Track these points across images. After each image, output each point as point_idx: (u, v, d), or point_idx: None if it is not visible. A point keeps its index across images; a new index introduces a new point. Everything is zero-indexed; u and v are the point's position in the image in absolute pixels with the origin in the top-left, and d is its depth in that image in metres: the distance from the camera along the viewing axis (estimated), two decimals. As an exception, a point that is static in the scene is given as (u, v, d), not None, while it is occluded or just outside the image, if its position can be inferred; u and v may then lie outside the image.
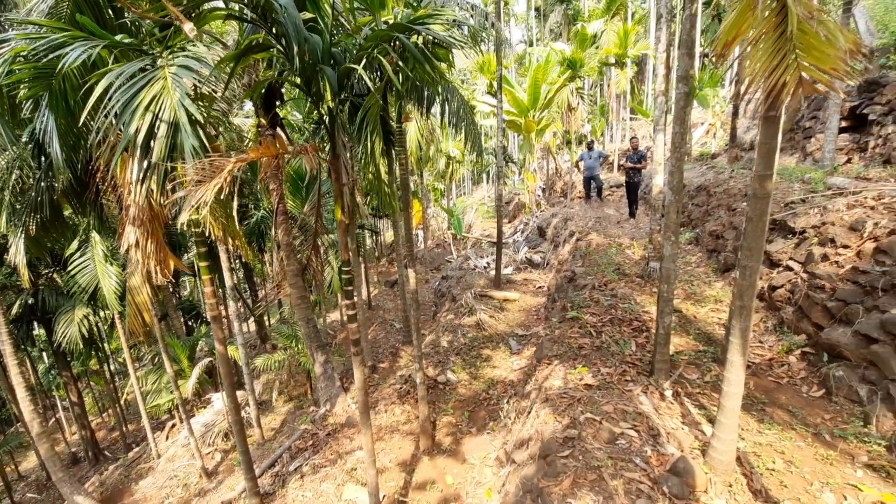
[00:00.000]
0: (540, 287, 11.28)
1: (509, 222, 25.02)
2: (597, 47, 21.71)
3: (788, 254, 5.20)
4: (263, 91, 8.49)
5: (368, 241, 32.76)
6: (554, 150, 25.39)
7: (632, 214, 12.06)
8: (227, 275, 9.78)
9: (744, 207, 7.16)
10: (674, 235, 3.68)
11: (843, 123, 9.26)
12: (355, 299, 8.19)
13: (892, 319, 3.48)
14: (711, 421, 3.33)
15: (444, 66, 11.18)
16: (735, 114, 11.86)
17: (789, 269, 5.05)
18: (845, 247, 4.41)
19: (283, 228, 9.35)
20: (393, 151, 10.73)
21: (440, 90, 10.48)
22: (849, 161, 9.36)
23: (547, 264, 12.55)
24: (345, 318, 18.70)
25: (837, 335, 3.94)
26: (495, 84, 19.72)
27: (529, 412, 4.32)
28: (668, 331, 3.82)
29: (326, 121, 5.00)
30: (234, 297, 10.06)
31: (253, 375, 11.93)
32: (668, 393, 3.66)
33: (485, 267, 14.16)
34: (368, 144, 4.77)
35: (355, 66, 3.70)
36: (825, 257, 4.57)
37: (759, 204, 2.86)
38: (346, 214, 9.58)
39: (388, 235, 32.52)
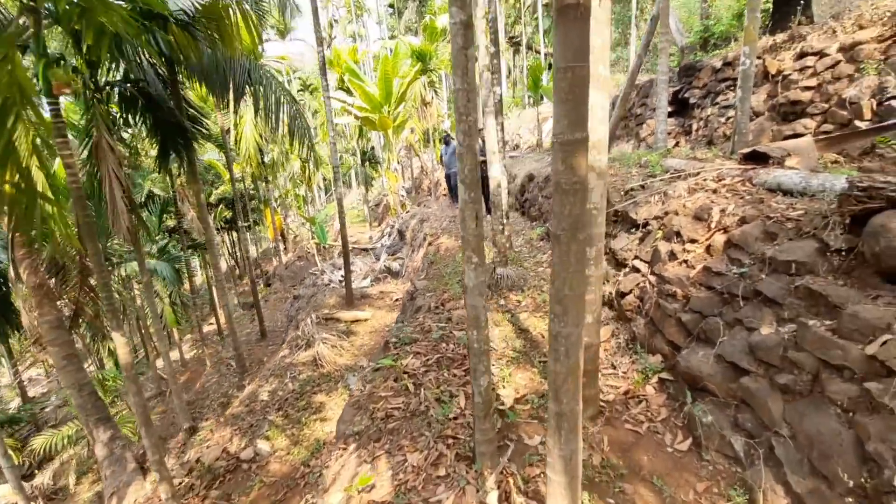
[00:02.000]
0: (397, 300, 9.85)
1: (378, 225, 23.44)
2: (447, 41, 21.00)
3: (633, 251, 4.33)
4: None
5: (226, 259, 28.78)
6: (417, 148, 24.36)
7: (488, 210, 11.21)
8: None
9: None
10: (476, 255, 2.36)
11: (669, 108, 9.23)
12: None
13: (764, 343, 2.54)
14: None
15: (250, 44, 9.04)
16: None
17: (636, 270, 4.16)
18: (693, 241, 3.55)
19: (29, 264, 6.65)
20: (190, 156, 8.44)
21: (251, 77, 8.46)
22: (676, 144, 9.36)
23: (406, 271, 11.20)
24: (187, 356, 15.50)
25: (698, 361, 2.98)
26: (346, 79, 17.94)
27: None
28: (487, 398, 2.51)
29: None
30: None
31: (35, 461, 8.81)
32: (493, 497, 2.35)
33: (340, 281, 12.36)
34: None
35: None
36: (672, 255, 3.69)
37: (570, 202, 1.60)
38: (123, 235, 7.05)
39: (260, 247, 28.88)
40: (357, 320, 8.93)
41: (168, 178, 12.52)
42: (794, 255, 2.65)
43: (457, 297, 5.58)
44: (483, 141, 10.52)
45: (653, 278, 3.82)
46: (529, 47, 34.66)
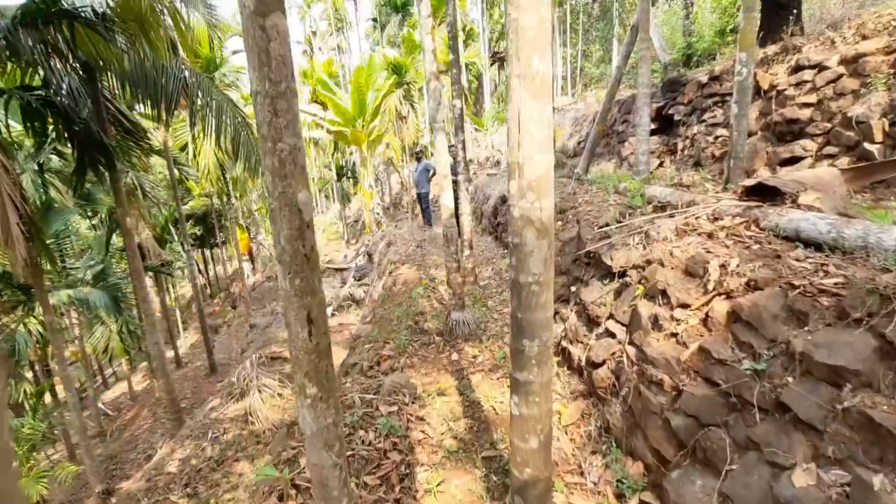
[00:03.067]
0: (354, 336, 8.82)
1: (356, 243, 22.41)
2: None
3: (608, 307, 3.39)
4: None
5: (197, 278, 27.47)
6: (397, 163, 23.49)
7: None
8: None
9: (556, 227, 5.51)
10: (314, 385, 1.37)
11: (653, 125, 8.44)
12: None
13: (800, 502, 1.59)
14: None
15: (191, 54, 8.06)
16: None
17: (611, 334, 3.21)
18: (684, 306, 2.62)
19: None
20: (114, 175, 7.38)
21: (187, 86, 7.49)
22: (661, 165, 8.54)
23: (370, 298, 10.17)
24: (139, 387, 14.19)
25: (695, 497, 2.02)
26: (319, 90, 17.02)
27: None
28: None
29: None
30: None
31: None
32: None
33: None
34: None
35: None
36: (657, 323, 2.75)
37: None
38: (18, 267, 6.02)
39: (230, 266, 27.59)
40: (307, 360, 7.87)
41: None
42: (839, 358, 1.72)
43: (398, 353, 4.57)
44: (454, 159, 9.66)
45: (632, 350, 2.87)
46: (513, 63, 34.17)
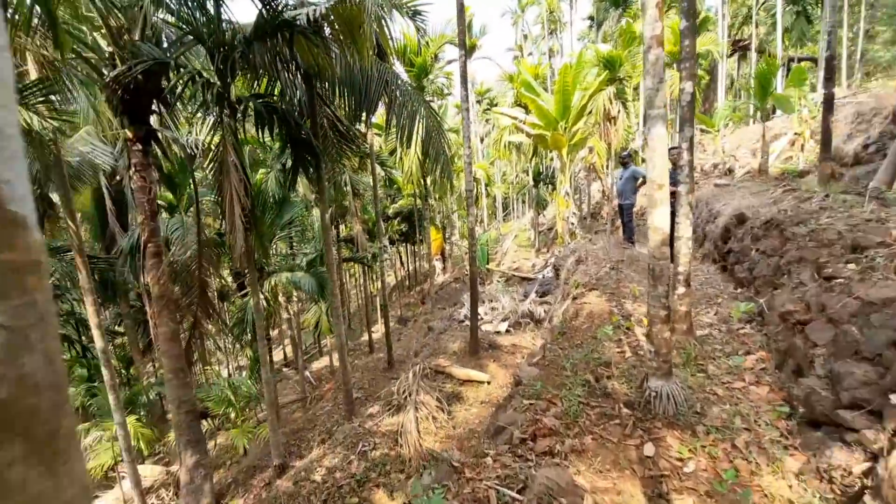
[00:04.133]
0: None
1: (547, 252, 21.26)
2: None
3: None
4: (125, 91, 6.07)
5: (395, 271, 30.27)
6: (600, 170, 21.40)
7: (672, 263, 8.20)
8: (96, 333, 7.36)
9: (848, 271, 3.40)
10: None
11: None
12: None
13: None
14: None
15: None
16: (829, 109, 7.61)
17: None
18: None
19: (154, 275, 6.77)
20: (318, 174, 7.91)
21: (387, 89, 7.59)
22: None
23: (550, 321, 8.95)
24: (336, 363, 15.98)
25: None
26: (522, 91, 16.43)
27: None
28: None
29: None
30: (107, 362, 7.55)
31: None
32: None
33: (479, 318, 10.74)
34: None
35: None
36: None
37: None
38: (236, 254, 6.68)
39: (428, 262, 29.75)
40: (471, 381, 7.16)
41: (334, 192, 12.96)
42: None
43: (565, 425, 3.32)
44: (674, 165, 7.72)
45: None
46: (761, 51, 28.08)
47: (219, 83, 6.42)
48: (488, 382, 7.14)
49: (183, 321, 7.17)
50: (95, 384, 9.88)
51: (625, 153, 10.71)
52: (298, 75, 7.11)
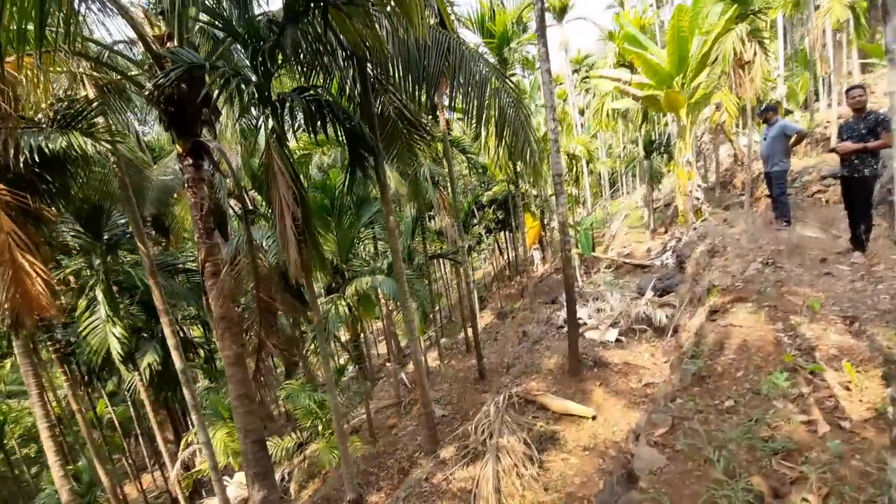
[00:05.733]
0: (648, 385, 5.95)
1: (665, 233, 18.22)
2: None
3: None
4: (169, 102, 5.63)
5: (493, 262, 28.81)
6: (729, 130, 17.63)
7: (857, 243, 5.68)
8: (175, 355, 7.23)
9: None
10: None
11: None
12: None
13: None
14: None
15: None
16: None
17: None
18: None
19: (215, 295, 6.32)
20: (378, 172, 6.85)
21: (449, 59, 6.27)
22: None
23: (674, 332, 6.92)
24: (432, 364, 15.24)
25: None
26: (626, 46, 13.78)
27: None
28: None
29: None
30: (186, 384, 7.40)
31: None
32: None
33: (583, 323, 8.95)
34: None
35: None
36: None
37: None
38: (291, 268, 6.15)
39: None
40: (570, 415, 5.61)
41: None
42: None
43: None
44: (854, 113, 5.34)
45: None
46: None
47: (254, 80, 5.62)
48: (593, 418, 5.55)
49: (249, 343, 6.71)
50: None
51: (767, 106, 7.97)
52: (343, 58, 6.08)
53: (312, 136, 6.43)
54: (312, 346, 10.15)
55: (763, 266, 5.62)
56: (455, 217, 11.45)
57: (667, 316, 7.58)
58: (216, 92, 5.76)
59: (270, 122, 5.94)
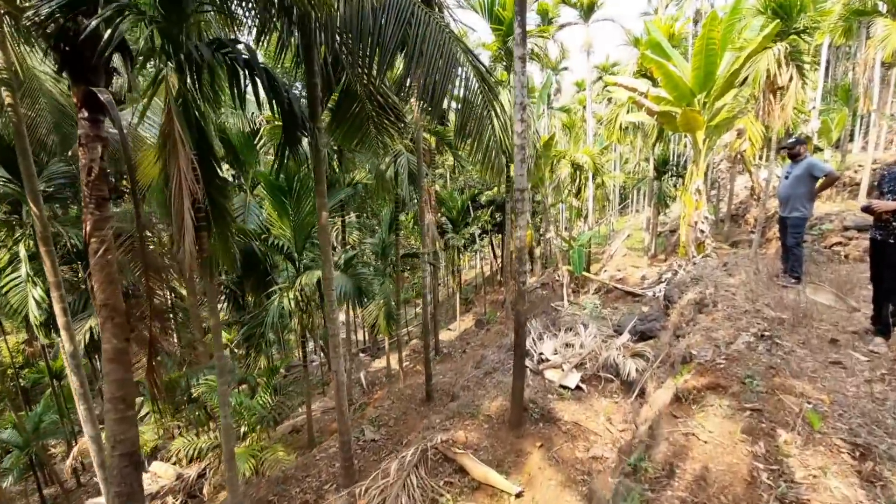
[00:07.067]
0: (595, 459, 4.84)
1: (665, 260, 16.93)
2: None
3: None
4: (63, 35, 4.50)
5: (478, 264, 27.68)
6: (749, 160, 16.19)
7: (881, 325, 4.50)
8: (64, 335, 6.20)
9: None
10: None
11: None
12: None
13: None
14: None
15: None
16: None
17: None
18: None
19: (100, 277, 5.24)
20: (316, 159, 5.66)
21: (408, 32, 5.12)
22: None
23: (640, 394, 5.75)
24: (395, 366, 14.21)
25: None
26: (648, 54, 12.38)
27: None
28: None
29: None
30: (75, 369, 6.36)
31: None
32: None
33: (540, 360, 7.81)
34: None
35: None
36: None
37: None
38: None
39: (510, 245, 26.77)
40: (488, 487, 4.52)
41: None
42: None
43: None
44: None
45: None
46: None
47: (157, 21, 4.51)
48: (518, 495, 4.44)
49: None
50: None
51: (794, 139, 6.64)
52: (277, 11, 4.91)
53: (236, 102, 5.29)
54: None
55: (756, 339, 4.43)
56: (437, 214, 10.31)
57: (637, 370, 6.40)
58: (109, 31, 4.60)
59: (174, 79, 4.80)
